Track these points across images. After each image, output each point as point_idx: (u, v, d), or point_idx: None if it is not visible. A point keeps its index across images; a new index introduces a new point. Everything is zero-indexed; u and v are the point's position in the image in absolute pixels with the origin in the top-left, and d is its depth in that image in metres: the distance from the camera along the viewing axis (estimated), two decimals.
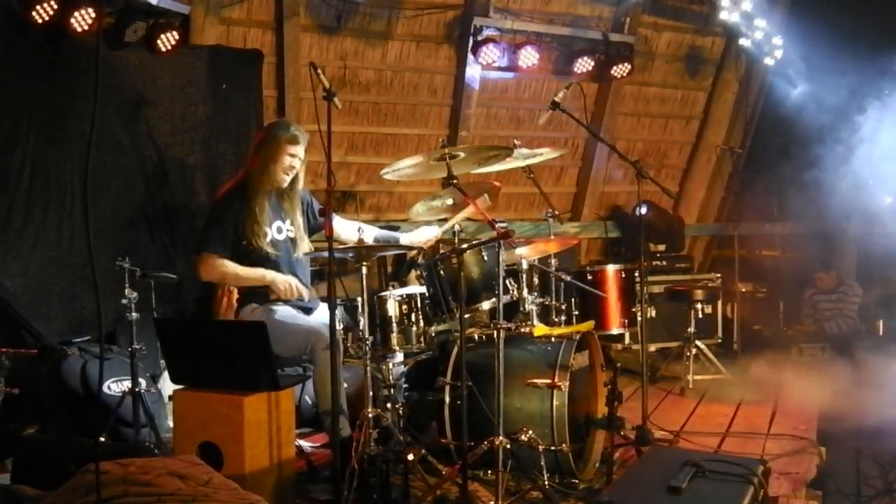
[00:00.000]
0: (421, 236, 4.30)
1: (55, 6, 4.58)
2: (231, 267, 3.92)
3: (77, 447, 3.48)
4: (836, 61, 6.55)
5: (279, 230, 4.05)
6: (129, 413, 4.02)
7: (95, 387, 4.19)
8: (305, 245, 4.13)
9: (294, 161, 3.98)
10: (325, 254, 3.32)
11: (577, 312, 5.53)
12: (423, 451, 3.70)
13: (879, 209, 6.92)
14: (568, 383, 3.72)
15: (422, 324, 3.82)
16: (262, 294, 3.97)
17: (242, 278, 3.96)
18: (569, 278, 4.76)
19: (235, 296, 4.32)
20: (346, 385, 3.97)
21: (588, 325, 4.11)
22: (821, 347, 6.48)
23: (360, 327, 3.54)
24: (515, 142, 4.33)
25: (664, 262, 7.26)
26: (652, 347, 6.46)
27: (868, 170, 6.69)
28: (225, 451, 3.38)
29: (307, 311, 4.05)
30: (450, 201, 4.10)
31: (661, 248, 7.44)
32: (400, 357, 3.90)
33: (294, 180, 4.06)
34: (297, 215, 4.13)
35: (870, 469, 4.30)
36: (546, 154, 4.54)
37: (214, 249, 3.92)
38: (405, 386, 4.11)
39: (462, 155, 3.80)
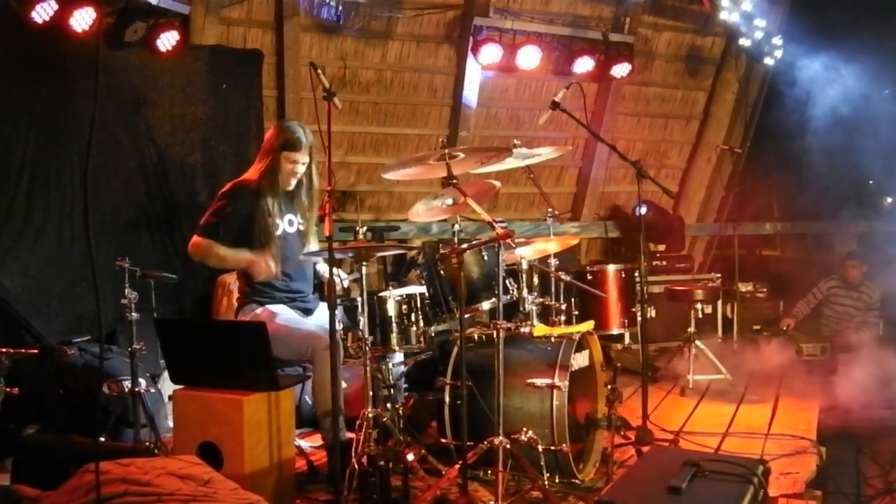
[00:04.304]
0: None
1: (55, 6, 4.58)
2: (216, 248, 3.87)
3: (77, 447, 3.49)
4: (836, 61, 6.56)
5: (290, 223, 4.03)
6: (128, 413, 4.02)
7: (95, 387, 4.19)
8: (315, 242, 4.12)
9: (296, 167, 3.94)
10: (325, 254, 3.33)
11: (577, 312, 5.52)
12: (423, 451, 3.70)
13: (880, 208, 6.93)
14: (568, 383, 3.72)
15: (422, 324, 3.82)
16: (261, 296, 3.97)
17: (225, 260, 3.93)
18: (569, 278, 4.75)
19: (236, 296, 4.32)
20: (345, 385, 3.96)
21: (588, 325, 4.11)
22: (821, 347, 6.44)
23: (360, 327, 3.54)
24: (515, 142, 4.33)
25: (664, 262, 7.25)
26: (652, 347, 6.45)
27: (868, 169, 6.70)
28: (225, 451, 3.38)
29: (307, 312, 4.05)
30: (450, 201, 4.09)
31: (661, 248, 7.44)
32: (400, 357, 3.90)
33: (301, 182, 4.02)
34: (312, 213, 4.09)
35: (870, 469, 4.30)
36: (546, 154, 4.53)
37: (208, 234, 3.88)
38: (405, 386, 4.10)
39: (461, 155, 3.79)
